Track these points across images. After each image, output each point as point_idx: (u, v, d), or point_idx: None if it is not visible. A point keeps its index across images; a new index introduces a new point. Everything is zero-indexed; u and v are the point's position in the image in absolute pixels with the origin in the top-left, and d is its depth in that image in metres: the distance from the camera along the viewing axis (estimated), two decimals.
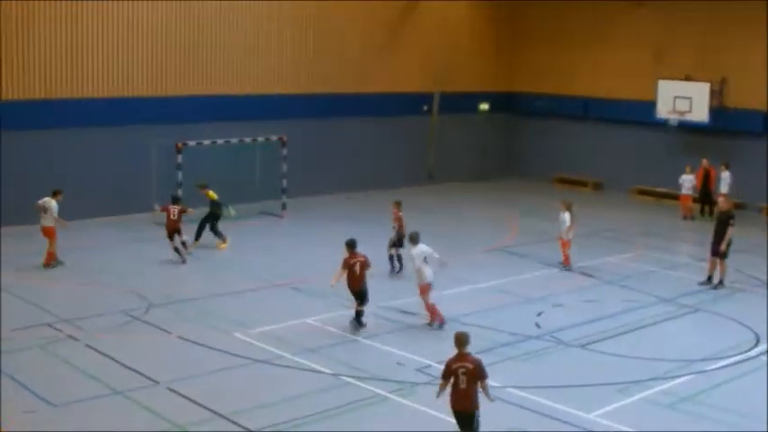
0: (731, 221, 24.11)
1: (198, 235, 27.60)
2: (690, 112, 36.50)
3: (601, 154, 40.60)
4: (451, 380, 13.16)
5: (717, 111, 36.41)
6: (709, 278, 24.47)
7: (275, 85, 34.96)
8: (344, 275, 19.69)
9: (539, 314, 21.36)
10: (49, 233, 24.47)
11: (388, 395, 16.25)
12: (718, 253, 24.14)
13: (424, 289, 20.08)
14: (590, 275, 25.20)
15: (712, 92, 36.33)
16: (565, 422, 15.27)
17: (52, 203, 24.49)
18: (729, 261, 24.34)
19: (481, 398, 13.16)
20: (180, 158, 30.03)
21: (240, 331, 19.43)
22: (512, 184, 41.76)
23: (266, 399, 15.93)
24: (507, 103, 43.49)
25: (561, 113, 41.97)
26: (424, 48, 39.27)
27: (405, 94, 39.05)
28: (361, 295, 19.83)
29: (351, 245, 19.92)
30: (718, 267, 24.31)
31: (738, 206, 34.91)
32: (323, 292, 21.43)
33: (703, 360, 18.60)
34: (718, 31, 36.76)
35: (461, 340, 13.32)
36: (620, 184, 39.66)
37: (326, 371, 17.38)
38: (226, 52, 33.44)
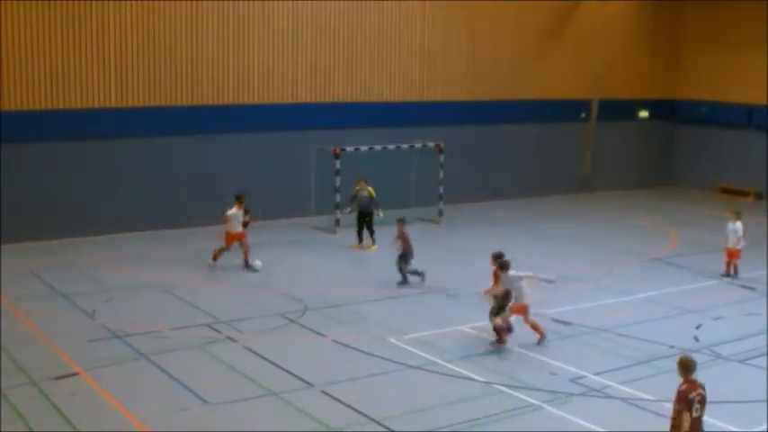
0: None
1: (360, 237, 28.33)
2: None
3: (764, 163, 39.36)
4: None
5: None
6: None
7: (433, 92, 35.12)
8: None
9: (697, 327, 20.85)
10: (234, 238, 25.25)
11: (542, 405, 16.12)
12: None
13: (521, 309, 19.25)
14: (751, 288, 24.44)
15: None
16: None
17: (234, 211, 25.22)
18: None
19: None
20: (338, 164, 30.47)
21: (394, 336, 19.59)
22: (671, 192, 40.91)
23: (418, 404, 16.00)
24: (667, 110, 42.59)
25: (723, 121, 40.86)
26: (581, 52, 38.87)
27: (562, 100, 38.74)
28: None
29: (497, 258, 19.69)
30: None
31: None
32: (478, 299, 21.41)
33: None
34: None
35: (690, 366, 12.39)
36: None
37: (479, 378, 17.36)
38: (383, 59, 33.77)
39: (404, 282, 23.97)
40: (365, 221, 28.53)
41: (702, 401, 12.23)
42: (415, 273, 24.11)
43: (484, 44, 36.30)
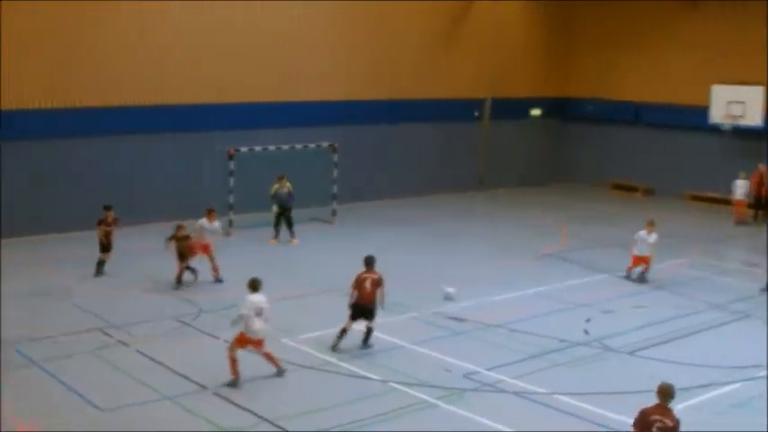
0: None
1: (277, 231, 29.09)
2: (743, 116, 36.14)
3: (653, 159, 40.31)
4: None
5: None
6: None
7: (328, 92, 35.07)
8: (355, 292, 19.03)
9: (587, 320, 21.24)
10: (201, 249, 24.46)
11: (437, 401, 16.23)
12: None
13: (255, 344, 17.30)
14: (641, 282, 25.00)
15: (767, 95, 35.93)
16: (611, 429, 15.16)
17: (203, 222, 24.46)
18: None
19: None
20: (232, 165, 30.23)
21: (288, 337, 19.49)
22: (563, 189, 41.59)
23: (313, 404, 15.98)
24: (560, 109, 43.31)
25: (613, 118, 41.76)
26: (476, 52, 39.24)
27: (457, 100, 39.03)
28: (370, 313, 19.01)
29: (368, 262, 19.23)
30: None
31: None
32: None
33: (754, 366, 18.40)
34: None
35: (668, 393, 11.86)
36: (673, 189, 39.30)
37: (374, 377, 17.41)
38: (278, 59, 33.58)
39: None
40: (284, 216, 29.02)
41: (664, 430, 11.47)
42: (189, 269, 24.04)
43: (382, 44, 36.36)
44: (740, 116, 36.18)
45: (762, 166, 34.67)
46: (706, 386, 17.23)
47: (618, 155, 41.61)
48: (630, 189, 40.67)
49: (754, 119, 35.97)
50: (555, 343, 19.53)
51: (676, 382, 16.95)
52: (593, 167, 42.37)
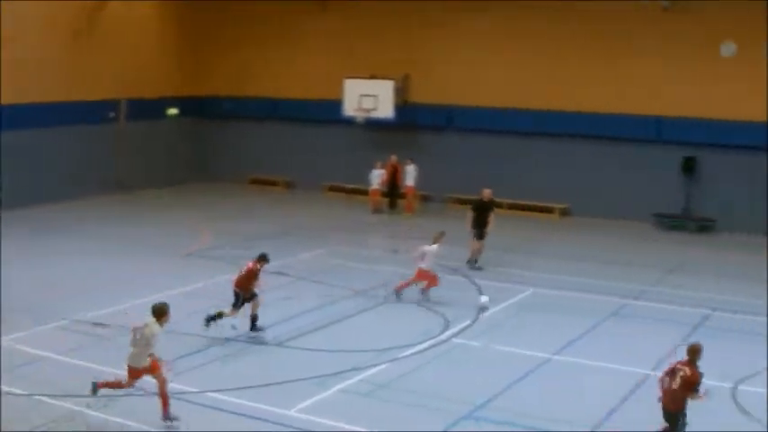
0: (494, 208, 26.91)
1: None
2: (375, 109, 37.59)
3: (292, 153, 41.08)
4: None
5: (401, 107, 37.76)
6: (475, 260, 26.44)
7: None
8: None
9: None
10: None
11: (84, 410, 15.54)
12: (483, 236, 26.38)
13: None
14: (285, 274, 25.24)
15: (396, 89, 37.59)
16: (266, 421, 15.19)
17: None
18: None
19: None
20: None
21: None
22: (204, 187, 41.41)
23: None
24: (198, 108, 43.06)
25: (251, 115, 42.19)
26: (111, 52, 38.11)
27: (92, 101, 37.74)
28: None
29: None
30: (476, 248, 26.50)
31: (425, 198, 36.69)
32: (20, 307, 20.43)
33: (398, 347, 19.12)
34: (400, 30, 38.29)
35: (696, 351, 13.73)
36: (313, 182, 40.23)
37: (19, 391, 16.43)
38: None
39: None
40: None
41: (685, 378, 13.44)
42: None
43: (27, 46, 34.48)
44: (372, 109, 37.59)
45: (393, 158, 36.21)
46: (355, 370, 17.68)
47: (257, 151, 42.03)
48: (271, 184, 41.23)
49: (385, 111, 37.50)
50: (203, 341, 19.34)
51: (326, 368, 17.57)
52: (233, 164, 42.49)
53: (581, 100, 35.39)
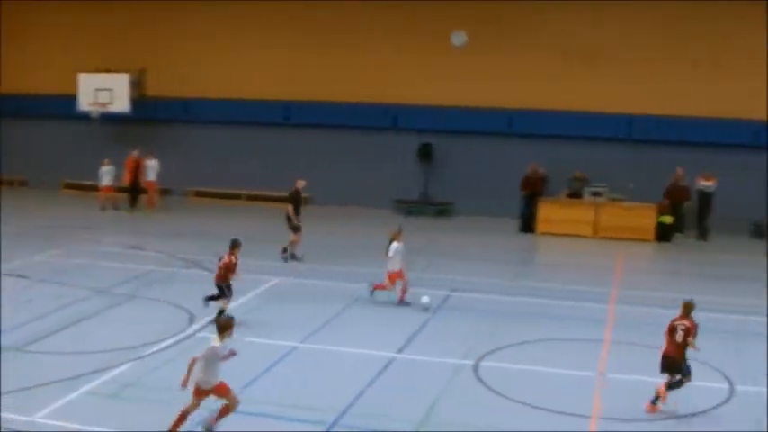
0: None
1: None
2: (111, 103, 36.90)
3: (25, 151, 39.65)
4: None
5: (138, 101, 37.20)
6: (293, 254, 27.07)
7: None
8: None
9: None
10: None
11: None
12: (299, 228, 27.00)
13: None
14: (23, 276, 24.39)
15: (132, 83, 37.02)
16: (10, 430, 14.67)
17: None
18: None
19: None
20: None
21: None
22: None
23: None
24: None
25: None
26: None
27: None
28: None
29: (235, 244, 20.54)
30: (295, 239, 26.99)
31: (165, 192, 36.37)
32: None
33: (144, 345, 18.90)
34: (136, 23, 37.73)
35: (689, 307, 15.79)
36: (48, 179, 39.02)
37: None
38: None
39: None
40: None
41: (685, 329, 15.52)
42: None
43: None
44: (108, 103, 36.89)
45: (135, 153, 35.55)
46: (99, 371, 17.31)
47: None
48: (6, 183, 39.72)
49: (121, 105, 36.87)
50: None
51: (70, 371, 17.06)
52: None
53: (320, 91, 36.05)
